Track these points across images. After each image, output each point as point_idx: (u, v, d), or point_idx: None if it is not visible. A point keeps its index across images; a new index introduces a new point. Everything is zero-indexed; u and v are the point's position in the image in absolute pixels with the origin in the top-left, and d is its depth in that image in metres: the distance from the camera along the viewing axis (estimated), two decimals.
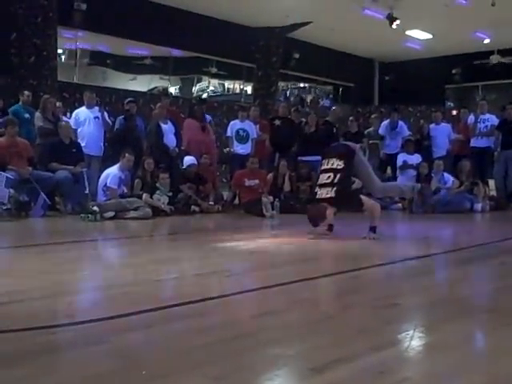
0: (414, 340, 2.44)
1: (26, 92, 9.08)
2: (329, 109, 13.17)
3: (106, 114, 9.36)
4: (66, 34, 12.97)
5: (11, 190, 7.47)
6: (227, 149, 10.35)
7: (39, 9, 10.57)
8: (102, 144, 9.38)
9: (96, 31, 13.21)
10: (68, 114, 9.92)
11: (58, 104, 9.31)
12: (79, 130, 9.16)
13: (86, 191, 8.22)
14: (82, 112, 9.32)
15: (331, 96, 19.55)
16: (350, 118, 11.89)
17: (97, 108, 9.36)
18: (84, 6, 11.94)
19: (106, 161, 9.06)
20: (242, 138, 10.15)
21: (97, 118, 9.23)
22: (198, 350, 2.28)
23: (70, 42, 13.58)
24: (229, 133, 10.23)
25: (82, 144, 9.01)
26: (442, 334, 2.55)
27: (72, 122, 9.20)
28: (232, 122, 10.38)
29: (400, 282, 3.92)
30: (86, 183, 8.27)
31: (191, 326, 2.65)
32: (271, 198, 8.84)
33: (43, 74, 10.62)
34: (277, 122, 10.68)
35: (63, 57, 13.84)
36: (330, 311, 2.96)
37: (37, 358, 2.20)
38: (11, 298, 3.12)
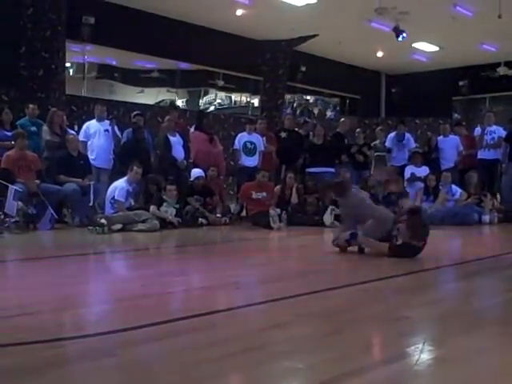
0: (423, 353, 2.42)
1: (31, 105, 9.07)
2: (337, 121, 13.19)
3: (116, 127, 9.39)
4: (74, 47, 13.03)
5: (19, 203, 7.49)
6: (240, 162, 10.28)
7: (48, 23, 10.63)
8: (111, 157, 9.38)
9: (104, 45, 13.28)
10: (76, 127, 9.95)
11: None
12: (89, 143, 9.19)
13: (90, 204, 8.24)
14: (92, 124, 9.34)
15: (338, 108, 19.57)
16: (357, 130, 11.89)
17: (107, 121, 9.38)
18: (92, 20, 12.02)
19: (115, 174, 9.07)
20: (250, 150, 10.15)
21: (107, 131, 9.25)
22: (206, 364, 2.27)
23: (78, 55, 13.65)
24: (236, 145, 10.23)
25: (92, 156, 9.05)
26: (451, 348, 2.54)
27: (82, 134, 9.23)
28: (240, 135, 10.37)
29: (409, 295, 3.90)
30: (92, 196, 8.28)
31: (200, 339, 2.64)
32: (278, 210, 8.84)
33: (51, 88, 10.66)
34: (283, 135, 10.71)
35: (71, 70, 13.92)
36: (340, 324, 2.94)
37: (45, 371, 2.20)
38: (20, 310, 3.13)
